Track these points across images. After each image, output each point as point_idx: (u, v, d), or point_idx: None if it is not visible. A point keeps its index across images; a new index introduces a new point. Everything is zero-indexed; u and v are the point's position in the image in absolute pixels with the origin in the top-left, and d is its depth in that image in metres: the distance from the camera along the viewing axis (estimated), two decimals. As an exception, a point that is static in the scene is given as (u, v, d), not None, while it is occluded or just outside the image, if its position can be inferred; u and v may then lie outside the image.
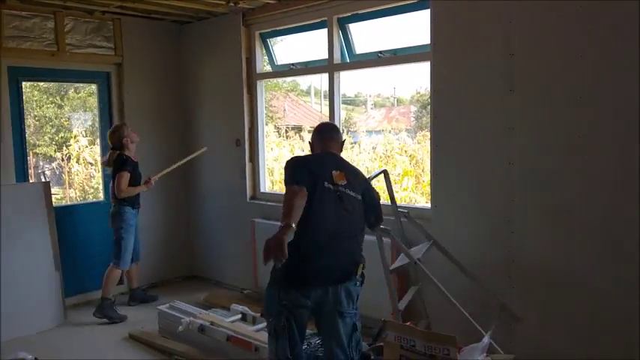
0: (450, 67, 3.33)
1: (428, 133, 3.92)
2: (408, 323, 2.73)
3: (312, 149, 2.60)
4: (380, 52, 3.86)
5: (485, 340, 2.44)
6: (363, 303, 3.78)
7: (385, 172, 3.23)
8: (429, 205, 3.63)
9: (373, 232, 2.72)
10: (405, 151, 7.42)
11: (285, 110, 9.35)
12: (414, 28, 3.83)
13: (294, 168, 2.35)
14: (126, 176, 4.19)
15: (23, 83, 4.43)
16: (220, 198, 5.00)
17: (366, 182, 2.54)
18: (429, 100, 3.58)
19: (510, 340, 3.04)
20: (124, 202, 4.25)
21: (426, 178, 5.15)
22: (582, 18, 2.77)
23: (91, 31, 4.61)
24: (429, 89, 3.52)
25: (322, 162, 2.43)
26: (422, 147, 6.86)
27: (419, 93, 8.76)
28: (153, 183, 4.39)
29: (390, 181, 3.21)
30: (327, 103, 4.26)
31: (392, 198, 3.21)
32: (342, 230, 2.30)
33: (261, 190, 4.78)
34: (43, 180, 5.99)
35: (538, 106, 2.96)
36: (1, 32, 4.08)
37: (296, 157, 2.52)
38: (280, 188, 5.50)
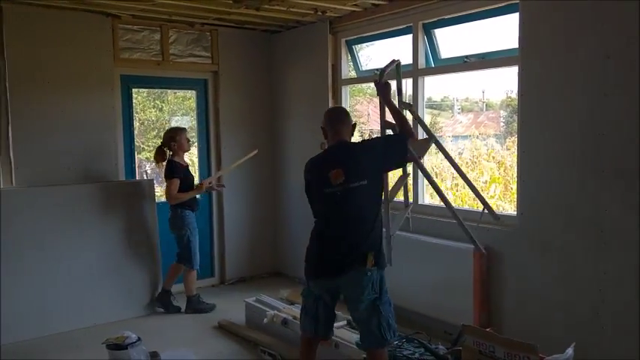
0: (540, 71, 3.23)
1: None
2: (487, 329, 2.71)
3: (324, 134, 2.78)
4: (466, 56, 3.82)
5: (570, 351, 2.36)
6: (442, 308, 3.76)
7: (397, 63, 3.06)
8: (514, 212, 3.54)
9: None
10: (493, 157, 7.18)
11: (368, 115, 9.40)
12: (501, 31, 3.75)
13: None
14: (176, 183, 4.28)
15: (133, 90, 4.90)
16: (304, 200, 5.16)
17: (375, 146, 2.69)
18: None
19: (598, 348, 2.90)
20: (185, 207, 4.35)
21: (515, 185, 4.98)
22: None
23: (191, 41, 5.02)
24: (517, 93, 3.45)
25: (321, 170, 2.65)
26: (511, 153, 6.61)
27: (509, 97, 8.42)
28: (204, 187, 4.51)
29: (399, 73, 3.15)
30: (411, 107, 4.28)
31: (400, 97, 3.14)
32: (343, 227, 2.56)
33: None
34: (146, 178, 6.55)
35: (634, 112, 2.79)
36: (116, 44, 4.59)
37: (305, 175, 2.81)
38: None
